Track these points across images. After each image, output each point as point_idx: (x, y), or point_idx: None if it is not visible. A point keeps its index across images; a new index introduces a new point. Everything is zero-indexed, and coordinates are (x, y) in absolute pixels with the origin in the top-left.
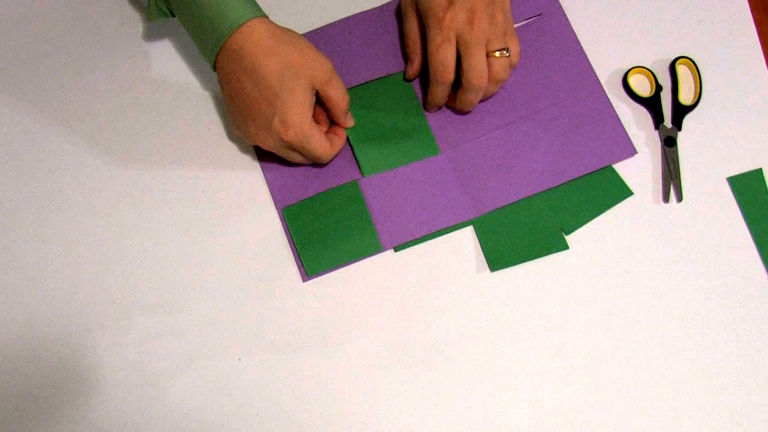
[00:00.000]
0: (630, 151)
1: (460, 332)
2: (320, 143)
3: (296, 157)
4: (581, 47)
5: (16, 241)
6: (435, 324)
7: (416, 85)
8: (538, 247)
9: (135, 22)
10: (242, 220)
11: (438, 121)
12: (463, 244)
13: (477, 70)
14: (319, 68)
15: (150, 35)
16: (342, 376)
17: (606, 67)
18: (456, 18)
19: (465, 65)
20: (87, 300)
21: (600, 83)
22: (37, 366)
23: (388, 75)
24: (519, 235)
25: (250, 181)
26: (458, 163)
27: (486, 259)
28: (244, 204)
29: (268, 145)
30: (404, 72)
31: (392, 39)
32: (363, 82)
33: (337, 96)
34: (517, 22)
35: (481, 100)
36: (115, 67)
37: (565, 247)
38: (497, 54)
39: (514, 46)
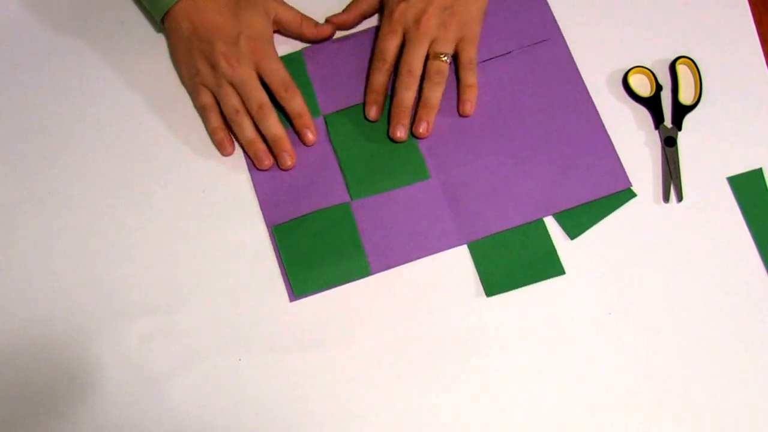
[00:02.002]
0: (624, 182)
1: (457, 332)
2: (281, 64)
3: (252, 92)
4: (580, 75)
5: (16, 241)
6: (432, 326)
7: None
8: (534, 272)
9: (135, 22)
10: (241, 221)
11: (429, 145)
12: (458, 264)
13: (408, 66)
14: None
15: (150, 35)
16: (341, 377)
17: (606, 67)
18: (405, 14)
19: (401, 59)
20: (87, 300)
21: (597, 112)
22: (36, 366)
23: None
24: (514, 260)
25: (250, 184)
26: (449, 188)
27: (482, 283)
28: (243, 205)
29: (234, 69)
30: (332, 16)
31: None
32: (355, 103)
33: (289, 16)
34: (516, 48)
35: (464, 117)
36: (115, 68)
37: (562, 272)
38: (443, 58)
39: (467, 53)
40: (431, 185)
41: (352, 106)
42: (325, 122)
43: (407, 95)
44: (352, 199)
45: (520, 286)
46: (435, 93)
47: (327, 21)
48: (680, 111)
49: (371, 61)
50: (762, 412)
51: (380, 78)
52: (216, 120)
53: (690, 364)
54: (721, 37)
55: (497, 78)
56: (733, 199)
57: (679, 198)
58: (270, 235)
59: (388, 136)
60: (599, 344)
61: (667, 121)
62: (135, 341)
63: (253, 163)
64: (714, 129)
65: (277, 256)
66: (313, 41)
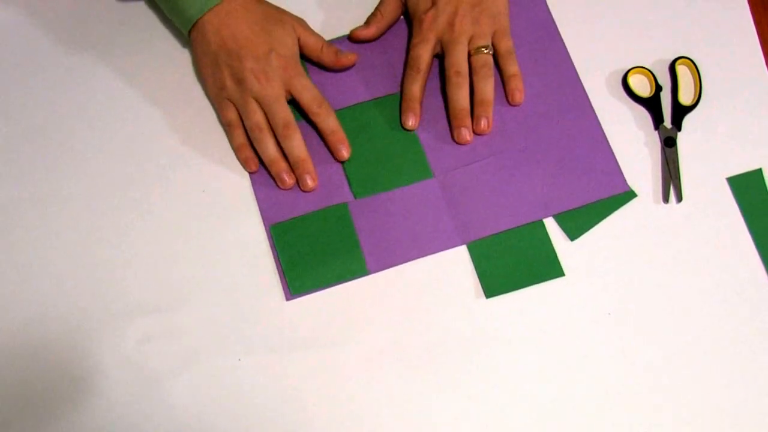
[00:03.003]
0: (622, 186)
1: (456, 333)
2: (311, 82)
3: (276, 110)
4: (579, 78)
5: (16, 242)
6: (431, 327)
7: None
8: (533, 274)
9: (135, 22)
10: (241, 221)
11: (432, 144)
12: (457, 264)
13: (455, 68)
14: (296, 18)
15: (150, 35)
16: (340, 377)
17: (606, 67)
18: (436, 21)
19: (446, 62)
20: (87, 300)
21: (595, 114)
22: (36, 366)
23: (385, 96)
24: (514, 262)
25: (249, 183)
26: (449, 188)
27: (481, 284)
28: (243, 205)
29: (263, 86)
30: (355, 30)
31: (389, 59)
32: (358, 102)
33: (311, 41)
34: (516, 49)
35: (515, 106)
36: (115, 67)
37: (561, 273)
38: (484, 51)
39: (503, 44)
40: (432, 185)
41: (353, 105)
42: None
43: (461, 95)
44: (356, 198)
45: (520, 288)
46: (487, 87)
47: (350, 34)
48: (680, 111)
49: (405, 70)
50: (762, 412)
51: (416, 87)
52: (241, 137)
53: (690, 364)
54: (721, 37)
55: (497, 80)
56: (733, 199)
57: (679, 198)
58: (267, 235)
59: (454, 140)
60: (599, 345)
61: (667, 122)
62: (135, 341)
63: (275, 182)
64: (714, 129)
65: (274, 255)
66: (332, 69)
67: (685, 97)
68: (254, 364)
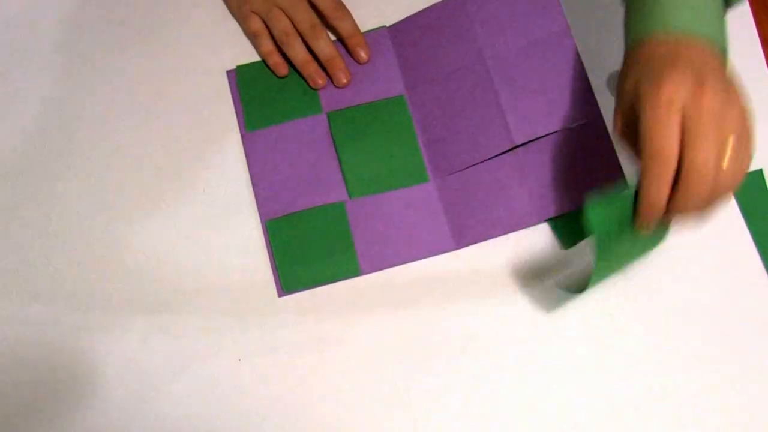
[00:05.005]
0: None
1: (450, 335)
2: None
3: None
4: (586, 75)
5: (17, 241)
6: (424, 329)
7: (413, 110)
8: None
9: (135, 22)
10: (241, 220)
11: (431, 147)
12: (452, 268)
13: (702, 172)
14: None
15: (150, 35)
16: (341, 376)
17: (606, 66)
18: (678, 91)
19: (687, 158)
20: (87, 300)
21: (602, 117)
22: (36, 366)
23: (387, 98)
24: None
25: (249, 182)
26: (446, 192)
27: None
28: (243, 203)
29: None
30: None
31: (395, 61)
32: (359, 103)
33: None
34: (527, 44)
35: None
36: (114, 67)
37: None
38: (729, 153)
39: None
40: (429, 189)
41: (355, 106)
42: (328, 119)
43: (693, 209)
44: (350, 198)
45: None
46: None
47: (643, 219)
48: None
49: (643, 167)
50: (763, 412)
51: (663, 191)
52: (268, 44)
53: (690, 364)
54: None
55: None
56: (733, 199)
57: None
58: (263, 230)
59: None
60: (599, 345)
61: None
62: (135, 341)
63: (307, 83)
64: None
65: (269, 252)
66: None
67: None
68: (251, 363)
